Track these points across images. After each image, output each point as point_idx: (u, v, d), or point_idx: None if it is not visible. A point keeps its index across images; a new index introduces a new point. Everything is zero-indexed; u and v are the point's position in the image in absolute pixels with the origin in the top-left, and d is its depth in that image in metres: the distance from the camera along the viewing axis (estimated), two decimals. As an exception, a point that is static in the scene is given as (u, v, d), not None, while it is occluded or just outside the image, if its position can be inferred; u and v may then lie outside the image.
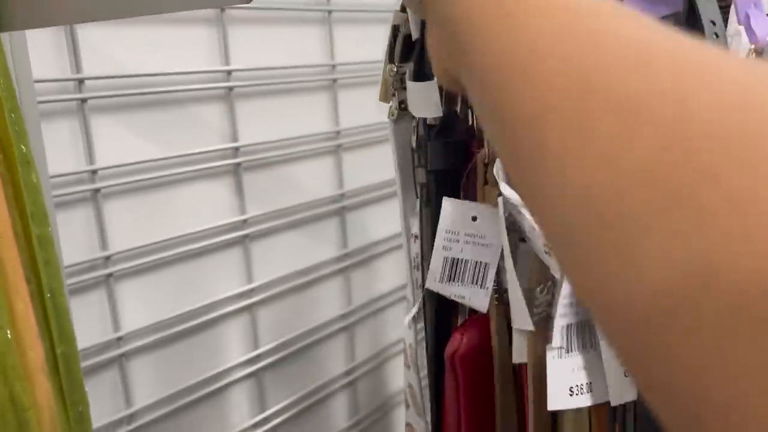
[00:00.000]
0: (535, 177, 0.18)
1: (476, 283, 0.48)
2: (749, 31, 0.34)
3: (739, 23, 0.36)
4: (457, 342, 0.55)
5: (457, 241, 0.49)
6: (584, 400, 0.40)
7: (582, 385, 0.39)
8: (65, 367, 0.61)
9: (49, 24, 0.54)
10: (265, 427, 0.89)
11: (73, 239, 0.67)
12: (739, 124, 0.14)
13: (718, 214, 0.13)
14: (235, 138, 0.80)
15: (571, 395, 0.39)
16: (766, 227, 0.13)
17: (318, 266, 0.94)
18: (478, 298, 0.48)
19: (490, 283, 0.48)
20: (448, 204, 0.49)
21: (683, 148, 0.15)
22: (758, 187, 0.13)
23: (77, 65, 0.65)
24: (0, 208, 0.53)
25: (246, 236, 0.83)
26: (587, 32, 0.18)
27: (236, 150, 0.81)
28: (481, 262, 0.48)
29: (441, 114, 0.49)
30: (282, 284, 0.89)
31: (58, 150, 0.64)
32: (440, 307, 0.56)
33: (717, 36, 0.32)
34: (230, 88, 0.79)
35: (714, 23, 0.29)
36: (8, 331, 0.54)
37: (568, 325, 0.39)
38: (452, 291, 0.50)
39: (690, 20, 0.31)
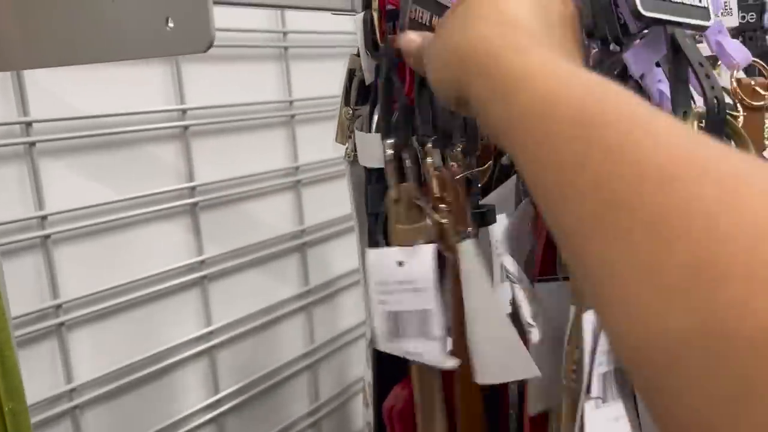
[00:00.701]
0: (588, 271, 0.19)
1: (424, 335, 0.44)
2: (724, 56, 0.34)
3: (712, 52, 0.36)
4: (394, 397, 0.53)
5: (390, 292, 0.45)
6: None
7: None
8: (13, 425, 0.58)
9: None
10: (228, 475, 0.86)
11: (21, 288, 0.64)
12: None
13: (749, 345, 0.14)
14: (191, 177, 0.78)
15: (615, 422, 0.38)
16: None
17: (279, 304, 0.92)
18: (432, 353, 0.44)
19: (439, 331, 0.44)
20: (371, 254, 0.46)
21: (713, 276, 0.15)
22: None
23: (24, 108, 0.62)
24: (-58, 260, 0.50)
25: (204, 277, 0.81)
26: (617, 145, 0.19)
27: (192, 189, 0.79)
28: (421, 309, 0.44)
29: (383, 165, 0.48)
30: (242, 325, 0.87)
31: (4, 196, 0.61)
32: (383, 357, 0.52)
33: (708, 77, 0.32)
34: (185, 127, 0.77)
35: (702, 65, 0.30)
36: (-49, 391, 0.51)
37: (605, 374, 0.38)
38: (403, 348, 0.46)
39: (675, 62, 0.31)
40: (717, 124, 0.30)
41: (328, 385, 1.02)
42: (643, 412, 0.36)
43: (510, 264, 0.45)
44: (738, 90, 0.34)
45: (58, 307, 0.67)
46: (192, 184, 0.78)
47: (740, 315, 0.15)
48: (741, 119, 0.34)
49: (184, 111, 0.77)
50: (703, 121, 0.30)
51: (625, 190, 0.18)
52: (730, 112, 0.32)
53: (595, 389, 0.35)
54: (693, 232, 0.16)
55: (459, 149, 0.46)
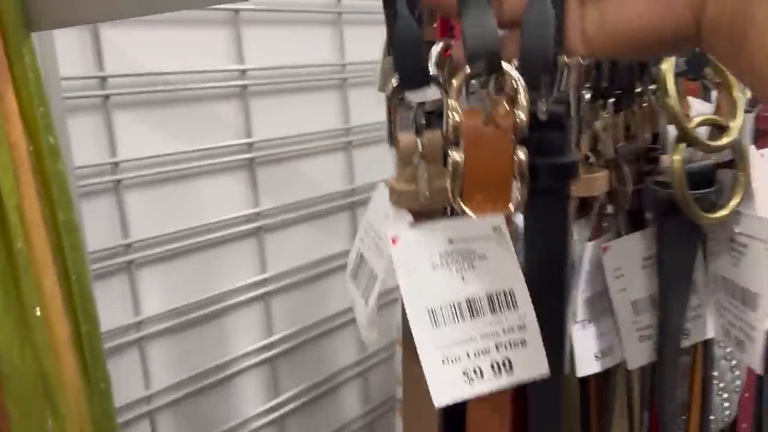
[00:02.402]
0: None
1: (364, 296, 0.42)
2: None
3: None
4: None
5: (369, 235, 0.43)
6: (608, 362, 0.43)
7: (604, 349, 0.42)
8: (89, 346, 0.65)
9: (74, 23, 0.59)
10: (278, 413, 0.92)
11: (96, 227, 0.71)
12: None
13: None
14: (249, 134, 0.84)
15: (596, 360, 0.42)
16: None
17: (329, 259, 0.97)
18: (359, 313, 0.42)
19: (373, 300, 0.42)
20: (380, 187, 0.43)
21: None
22: None
23: (100, 64, 0.69)
24: (29, 195, 0.57)
25: (260, 228, 0.87)
26: None
27: (250, 145, 0.85)
28: (372, 270, 0.41)
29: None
30: (294, 275, 0.93)
31: (82, 143, 0.68)
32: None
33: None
34: (244, 87, 0.83)
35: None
36: (37, 309, 0.58)
37: (588, 298, 0.42)
38: (351, 291, 0.44)
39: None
40: (696, 62, 0.33)
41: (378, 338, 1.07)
42: (621, 325, 0.40)
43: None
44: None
45: (128, 246, 0.74)
46: (250, 140, 0.84)
47: None
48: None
49: (243, 71, 0.82)
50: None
51: None
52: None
53: (580, 314, 0.39)
54: None
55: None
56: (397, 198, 0.39)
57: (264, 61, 0.85)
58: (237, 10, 0.81)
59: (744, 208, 0.35)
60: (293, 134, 0.89)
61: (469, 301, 0.37)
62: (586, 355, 0.39)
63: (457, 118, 0.33)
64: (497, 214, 0.36)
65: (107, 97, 0.70)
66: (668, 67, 0.33)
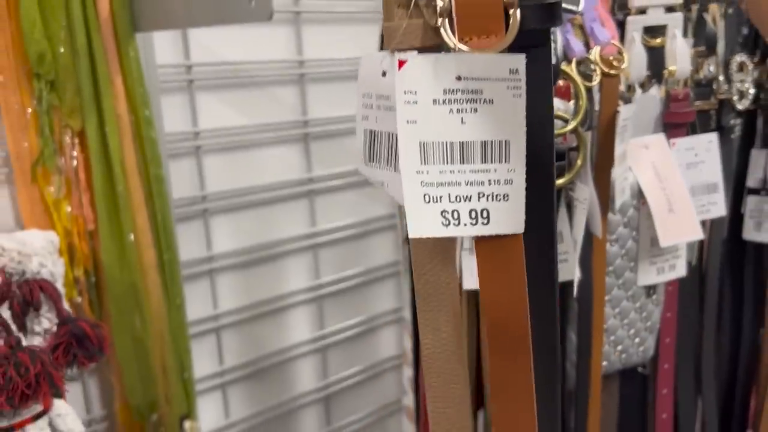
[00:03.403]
0: None
1: (390, 165, 0.39)
2: (593, 36, 0.51)
3: (587, 34, 0.53)
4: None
5: (371, 106, 0.39)
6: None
7: None
8: (169, 270, 0.87)
9: (167, 28, 0.80)
10: (322, 343, 1.12)
11: (180, 181, 0.93)
12: None
13: None
14: (305, 113, 1.04)
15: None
16: None
17: (370, 221, 1.16)
18: (395, 185, 0.38)
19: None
20: (364, 58, 0.40)
21: None
22: None
23: (187, 55, 0.90)
24: (129, 153, 0.79)
25: (311, 191, 1.07)
26: None
27: (305, 122, 1.04)
28: (392, 134, 0.38)
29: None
30: (340, 232, 1.12)
31: (171, 116, 0.90)
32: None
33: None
34: (302, 75, 1.02)
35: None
36: (131, 235, 0.80)
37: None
38: (375, 176, 0.41)
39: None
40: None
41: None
42: None
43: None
44: (598, 60, 0.51)
45: (204, 197, 0.95)
46: (305, 118, 1.03)
47: None
48: (597, 80, 0.51)
49: (301, 62, 1.01)
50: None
51: None
52: (565, 67, 0.49)
53: (467, 242, 0.54)
54: None
55: None
56: (397, 37, 0.36)
57: (320, 53, 1.03)
58: (298, 12, 1.00)
59: (579, 179, 0.50)
60: (343, 115, 1.08)
61: (462, 145, 0.36)
62: (472, 275, 0.54)
63: None
64: (491, 48, 0.35)
65: (191, 81, 0.91)
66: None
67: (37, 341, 0.55)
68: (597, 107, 0.55)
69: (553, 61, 0.49)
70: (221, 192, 0.97)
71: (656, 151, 0.64)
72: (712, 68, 0.69)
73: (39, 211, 0.75)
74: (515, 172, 0.36)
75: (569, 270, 0.54)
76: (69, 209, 0.77)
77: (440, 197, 0.36)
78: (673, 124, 0.65)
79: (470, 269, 0.54)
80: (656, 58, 0.65)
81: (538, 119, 0.37)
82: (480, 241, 0.37)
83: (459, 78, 0.35)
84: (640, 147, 0.64)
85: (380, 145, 0.40)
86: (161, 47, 0.87)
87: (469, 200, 0.36)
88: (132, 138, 0.79)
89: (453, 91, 0.35)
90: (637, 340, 0.69)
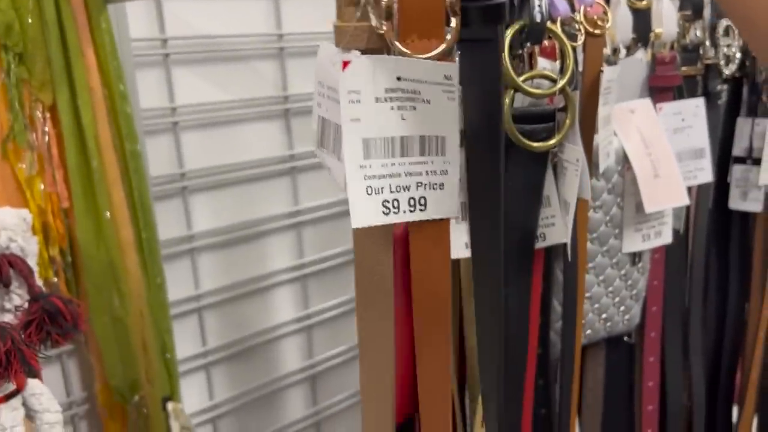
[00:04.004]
0: None
1: (335, 154, 0.40)
2: (553, 7, 0.50)
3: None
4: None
5: (323, 95, 0.41)
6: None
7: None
8: (148, 248, 0.85)
9: (139, -1, 0.77)
10: (306, 323, 1.11)
11: (158, 158, 0.90)
12: None
13: None
14: (285, 88, 1.02)
15: (466, 248, 0.55)
16: None
17: (355, 197, 1.14)
18: (339, 173, 0.40)
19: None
20: (321, 47, 0.41)
21: None
22: None
23: (162, 28, 0.88)
24: (103, 128, 0.77)
25: (293, 168, 1.05)
26: None
27: (286, 98, 1.02)
28: (338, 125, 0.39)
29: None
30: (324, 210, 1.10)
31: (147, 91, 0.87)
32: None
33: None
34: (282, 48, 1.00)
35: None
36: (107, 213, 0.78)
37: (462, 203, 0.56)
38: (323, 159, 0.43)
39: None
40: (536, 31, 0.46)
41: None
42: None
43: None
44: (583, 20, 0.50)
45: (183, 175, 0.93)
46: (286, 93, 1.01)
47: None
48: (581, 39, 0.50)
49: (281, 35, 0.99)
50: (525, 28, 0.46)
51: None
52: (551, 26, 0.47)
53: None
54: None
55: None
56: (345, 38, 0.38)
57: (300, 27, 1.01)
58: (276, -16, 0.97)
59: (568, 140, 0.48)
60: (324, 89, 1.06)
61: (403, 139, 0.38)
62: (458, 244, 0.53)
63: None
64: (432, 53, 0.37)
65: (167, 55, 0.89)
66: (509, 32, 0.47)
67: (7, 318, 0.54)
68: (581, 68, 0.53)
69: (538, 19, 0.48)
70: (200, 169, 0.95)
71: (642, 116, 0.63)
72: (698, 33, 0.68)
73: (11, 189, 0.73)
74: (450, 164, 0.40)
75: (558, 234, 0.53)
76: (42, 187, 0.75)
77: (382, 188, 0.39)
78: (659, 88, 0.64)
79: (455, 238, 0.53)
80: (642, 21, 0.64)
81: (487, 110, 0.41)
82: (413, 224, 0.41)
83: (399, 78, 0.37)
84: (625, 111, 0.63)
85: (329, 134, 0.42)
86: (135, 20, 0.84)
87: (408, 189, 0.39)
88: (106, 113, 0.77)
89: (394, 89, 0.37)
90: (622, 308, 0.68)
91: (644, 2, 0.63)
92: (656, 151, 0.63)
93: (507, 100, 0.47)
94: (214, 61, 0.94)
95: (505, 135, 0.48)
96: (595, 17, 0.51)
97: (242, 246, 1.02)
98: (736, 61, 0.72)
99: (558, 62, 0.50)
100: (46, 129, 0.74)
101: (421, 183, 0.39)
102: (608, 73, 0.54)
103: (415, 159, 0.39)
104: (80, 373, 0.86)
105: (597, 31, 0.51)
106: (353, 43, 0.38)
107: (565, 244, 0.53)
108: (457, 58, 0.39)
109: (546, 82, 0.49)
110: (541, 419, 0.61)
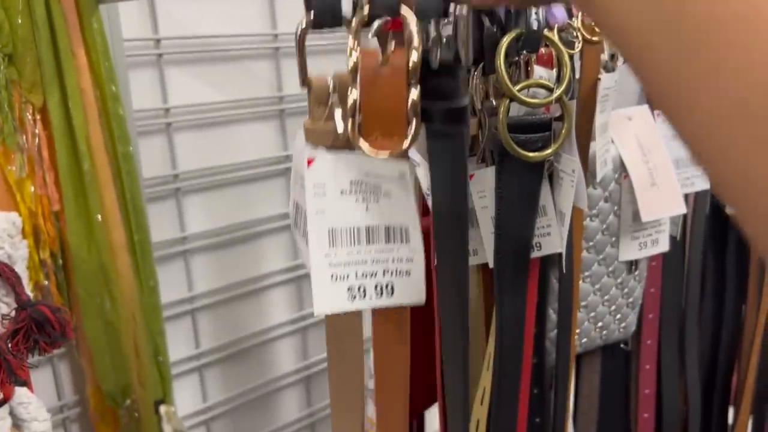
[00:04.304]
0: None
1: (304, 238, 0.41)
2: (551, 15, 0.49)
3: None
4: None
5: (297, 181, 0.43)
6: (472, 261, 0.55)
7: (471, 250, 0.55)
8: (140, 250, 0.84)
9: (131, -1, 0.76)
10: (301, 324, 1.10)
11: (151, 160, 0.89)
12: None
13: None
14: (280, 89, 1.00)
15: (471, 255, 0.54)
16: None
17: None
18: (307, 258, 0.41)
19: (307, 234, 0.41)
20: (297, 137, 0.43)
21: None
22: None
23: (156, 28, 0.87)
24: (95, 130, 0.76)
25: (288, 169, 1.04)
26: None
27: (281, 98, 1.01)
28: (304, 210, 0.40)
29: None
30: (318, 210, 1.09)
31: (140, 92, 0.86)
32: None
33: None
34: (277, 48, 0.99)
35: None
36: (99, 216, 0.77)
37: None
38: (296, 239, 0.44)
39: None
40: (533, 39, 0.45)
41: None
42: (483, 234, 0.53)
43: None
44: (580, 27, 0.49)
45: (176, 176, 0.92)
46: (281, 94, 1.00)
47: None
48: (579, 46, 0.49)
49: (276, 35, 0.98)
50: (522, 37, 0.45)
51: None
52: (547, 33, 0.46)
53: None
54: None
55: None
56: (313, 137, 0.40)
57: (295, 27, 1.00)
58: (271, -17, 0.96)
59: (564, 150, 0.47)
60: (320, 90, 1.05)
61: (369, 229, 0.40)
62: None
63: (355, 58, 0.36)
64: (394, 151, 0.38)
65: (161, 55, 0.88)
66: (505, 40, 0.46)
67: (-6, 327, 0.53)
68: (578, 76, 0.53)
69: (535, 27, 0.47)
70: (194, 171, 0.94)
71: (640, 123, 0.62)
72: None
73: (1, 191, 0.72)
74: (416, 251, 0.41)
75: (553, 243, 0.52)
76: (32, 189, 0.74)
77: (347, 275, 0.40)
78: (656, 95, 0.63)
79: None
80: (640, 27, 0.62)
81: (450, 197, 0.44)
82: (378, 309, 0.43)
83: (362, 173, 0.40)
84: (623, 118, 0.62)
85: (300, 217, 0.44)
86: (128, 20, 0.83)
87: (375, 276, 0.40)
88: (98, 114, 0.76)
89: (358, 183, 0.39)
90: (618, 316, 0.67)
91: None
92: (654, 158, 0.62)
93: (503, 109, 0.46)
94: (208, 62, 0.93)
95: (500, 144, 0.47)
96: (593, 24, 0.50)
97: (236, 248, 1.01)
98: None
99: (555, 70, 0.49)
100: (37, 131, 0.73)
101: (388, 270, 0.40)
102: (606, 80, 0.53)
103: (382, 247, 0.40)
104: (72, 376, 0.85)
105: (595, 38, 0.50)
106: (320, 141, 0.40)
107: (560, 254, 0.53)
108: (411, 157, 0.41)
109: (542, 91, 0.48)
110: (536, 428, 0.60)
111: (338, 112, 0.39)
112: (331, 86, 0.40)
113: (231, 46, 0.94)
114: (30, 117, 0.72)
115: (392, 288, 0.41)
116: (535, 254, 0.53)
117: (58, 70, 0.72)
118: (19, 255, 0.60)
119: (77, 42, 0.73)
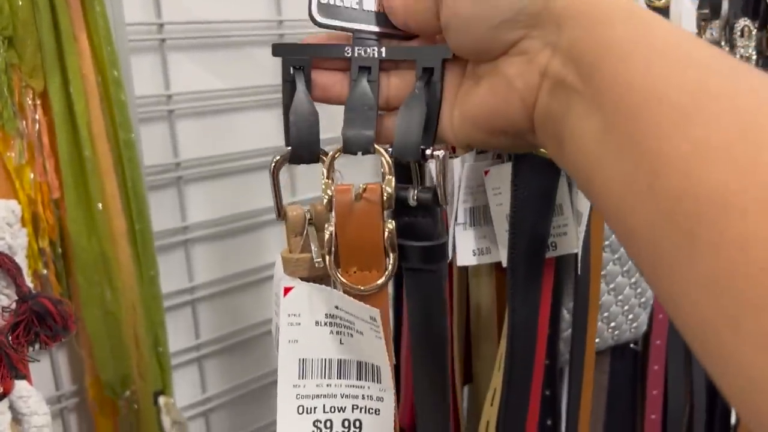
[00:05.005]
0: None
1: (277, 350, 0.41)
2: None
3: None
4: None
5: (276, 303, 0.42)
6: (485, 259, 0.52)
7: (482, 248, 0.54)
8: (141, 240, 0.82)
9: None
10: (301, 316, 1.09)
11: (152, 147, 0.88)
12: None
13: None
14: (284, 76, 0.99)
15: (474, 255, 0.54)
16: None
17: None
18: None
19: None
20: (279, 262, 0.44)
21: None
22: None
23: (159, 12, 0.85)
24: (96, 116, 0.74)
25: (291, 157, 1.02)
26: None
27: (285, 86, 0.99)
28: (278, 326, 0.40)
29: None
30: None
31: (142, 77, 0.84)
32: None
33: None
34: (281, 35, 0.97)
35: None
36: (99, 205, 0.75)
37: (469, 208, 0.54)
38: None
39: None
40: None
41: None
42: (497, 231, 0.52)
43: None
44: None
45: (178, 164, 0.91)
46: (285, 81, 0.99)
47: None
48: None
49: (280, 21, 0.96)
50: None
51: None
52: None
53: (461, 217, 0.51)
54: None
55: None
56: (290, 267, 0.41)
57: (300, 14, 0.98)
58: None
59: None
60: (324, 78, 1.03)
61: (341, 362, 0.39)
62: (466, 251, 0.51)
63: (330, 194, 0.39)
64: (371, 284, 0.38)
65: (163, 40, 0.86)
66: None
67: (-6, 319, 0.51)
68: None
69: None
70: (196, 159, 0.92)
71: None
72: (715, 32, 0.66)
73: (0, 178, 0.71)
74: (386, 392, 0.40)
75: (568, 243, 0.51)
76: (32, 176, 0.72)
77: (314, 408, 0.39)
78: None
79: (463, 245, 0.51)
80: (659, 21, 0.61)
81: (428, 329, 0.42)
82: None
83: (337, 307, 0.39)
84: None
85: (277, 334, 0.42)
86: (130, 4, 0.81)
87: (343, 411, 0.39)
88: (99, 100, 0.74)
89: (333, 315, 0.39)
90: (630, 316, 0.66)
91: (662, 1, 0.61)
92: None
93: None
94: (211, 48, 0.91)
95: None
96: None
97: (238, 237, 1.00)
98: (752, 62, 0.70)
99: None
100: (37, 116, 0.71)
101: (357, 406, 0.40)
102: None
103: (352, 382, 0.40)
104: (70, 366, 0.84)
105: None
106: (297, 272, 0.41)
107: (576, 254, 0.52)
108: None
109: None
110: (547, 430, 0.59)
111: (314, 245, 0.40)
112: (306, 217, 0.42)
113: (235, 32, 0.92)
114: (30, 102, 0.70)
115: (360, 425, 0.40)
116: (551, 254, 0.52)
117: (60, 54, 0.70)
118: (18, 244, 0.59)
119: (79, 25, 0.71)
